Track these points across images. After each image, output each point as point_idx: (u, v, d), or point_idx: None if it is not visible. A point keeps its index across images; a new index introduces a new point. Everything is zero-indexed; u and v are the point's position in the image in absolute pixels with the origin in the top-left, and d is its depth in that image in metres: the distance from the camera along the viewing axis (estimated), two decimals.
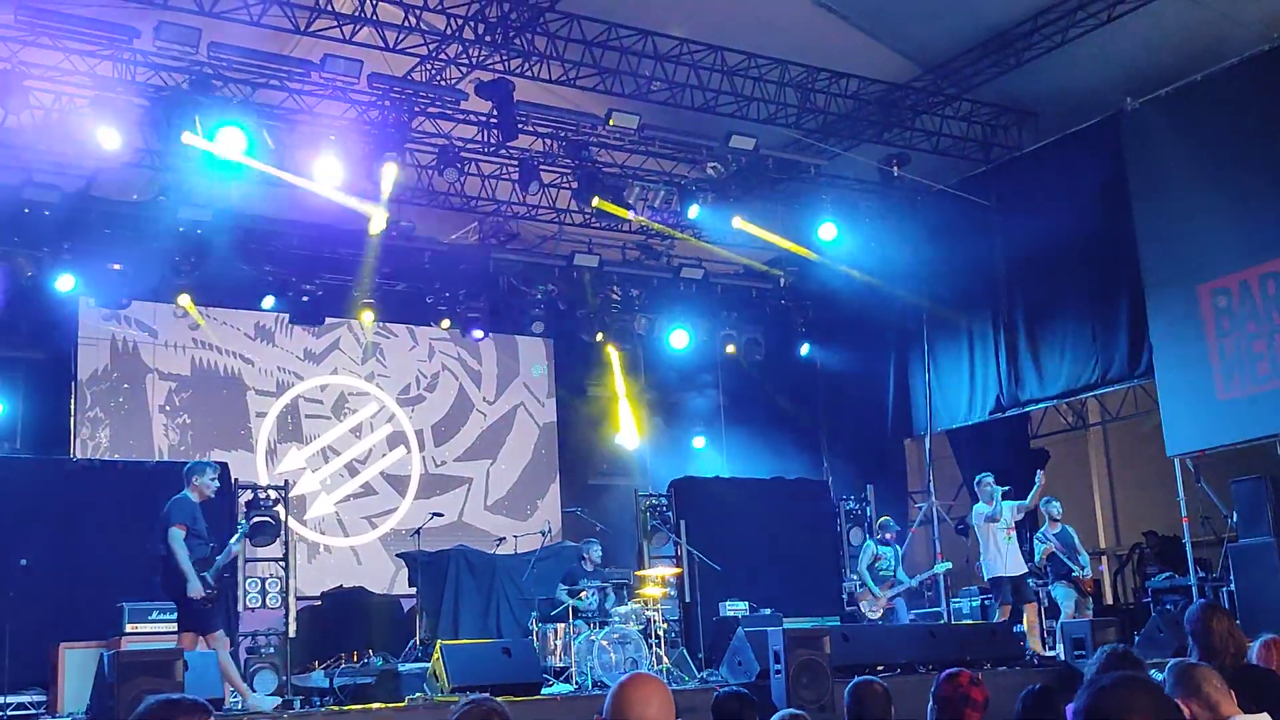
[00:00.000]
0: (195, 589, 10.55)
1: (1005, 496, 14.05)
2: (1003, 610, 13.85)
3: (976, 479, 14.44)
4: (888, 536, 15.48)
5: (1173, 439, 14.30)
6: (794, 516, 16.20)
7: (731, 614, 14.44)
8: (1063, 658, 12.38)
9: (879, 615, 15.12)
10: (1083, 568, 14.12)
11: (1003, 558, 13.88)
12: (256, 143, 13.04)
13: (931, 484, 17.43)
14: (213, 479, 11.16)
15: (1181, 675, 4.40)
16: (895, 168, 16.02)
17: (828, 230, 16.45)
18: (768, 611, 14.14)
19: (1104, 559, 18.51)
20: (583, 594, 13.09)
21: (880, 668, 11.36)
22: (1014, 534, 13.99)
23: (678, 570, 14.70)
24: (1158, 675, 5.58)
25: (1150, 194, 14.52)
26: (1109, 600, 17.61)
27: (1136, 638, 13.57)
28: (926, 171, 16.32)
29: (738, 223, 16.49)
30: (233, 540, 11.27)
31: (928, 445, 17.50)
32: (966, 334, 16.97)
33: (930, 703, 5.21)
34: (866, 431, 18.64)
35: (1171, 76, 14.19)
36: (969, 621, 15.24)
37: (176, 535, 10.62)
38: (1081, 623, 12.56)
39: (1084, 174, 15.28)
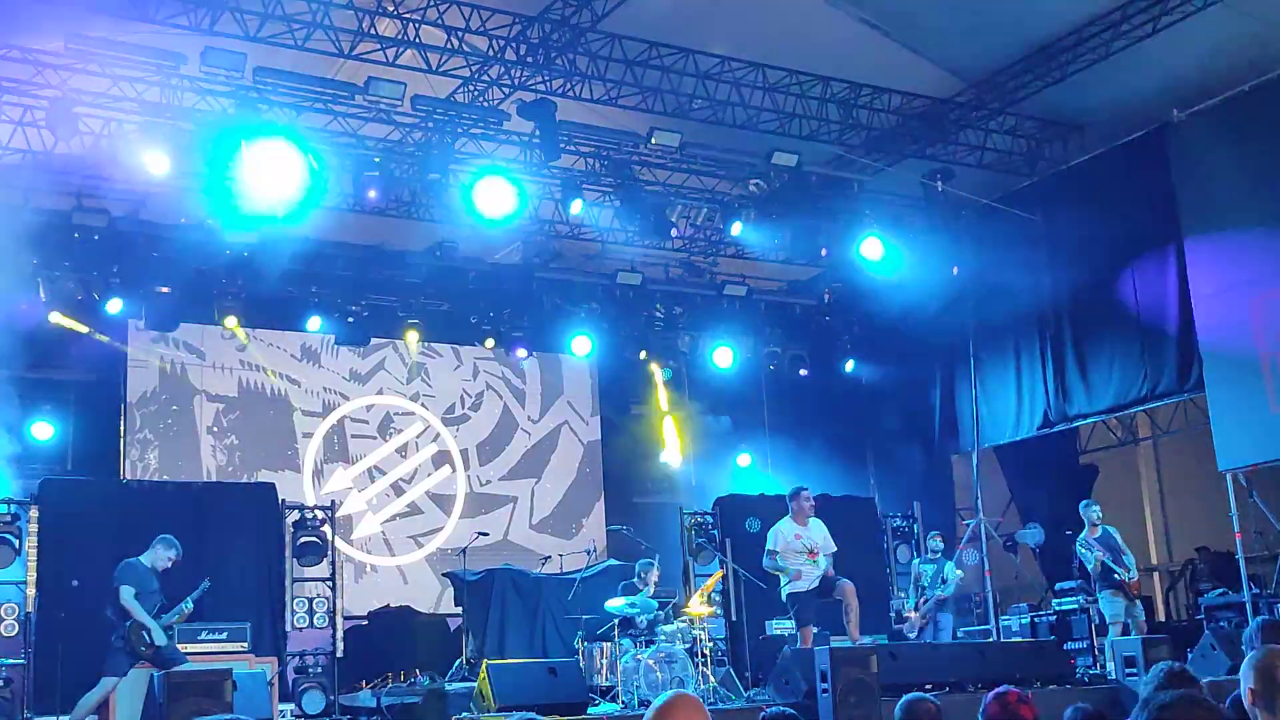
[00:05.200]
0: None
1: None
2: None
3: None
4: (931, 555, 15.32)
5: (1224, 453, 14.10)
6: (840, 534, 16.07)
7: (778, 633, 14.36)
8: (1114, 676, 12.21)
9: (915, 634, 15.01)
10: (1128, 569, 13.77)
11: None
12: (302, 164, 13.15)
13: (979, 501, 17.28)
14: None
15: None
16: (939, 182, 15.93)
17: (871, 246, 16.37)
18: (815, 630, 14.02)
19: (1155, 575, 18.29)
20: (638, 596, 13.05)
21: (929, 686, 11.23)
22: None
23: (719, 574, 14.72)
24: None
25: (1199, 205, 14.37)
26: (1161, 617, 17.37)
27: (1189, 655, 13.36)
28: (971, 186, 16.20)
29: None
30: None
31: (975, 462, 17.35)
32: (1013, 348, 16.80)
33: None
34: (913, 448, 18.50)
35: (1219, 88, 14.04)
36: (1019, 639, 15.08)
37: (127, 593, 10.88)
38: (1133, 640, 12.36)
39: (1131, 186, 15.11)
